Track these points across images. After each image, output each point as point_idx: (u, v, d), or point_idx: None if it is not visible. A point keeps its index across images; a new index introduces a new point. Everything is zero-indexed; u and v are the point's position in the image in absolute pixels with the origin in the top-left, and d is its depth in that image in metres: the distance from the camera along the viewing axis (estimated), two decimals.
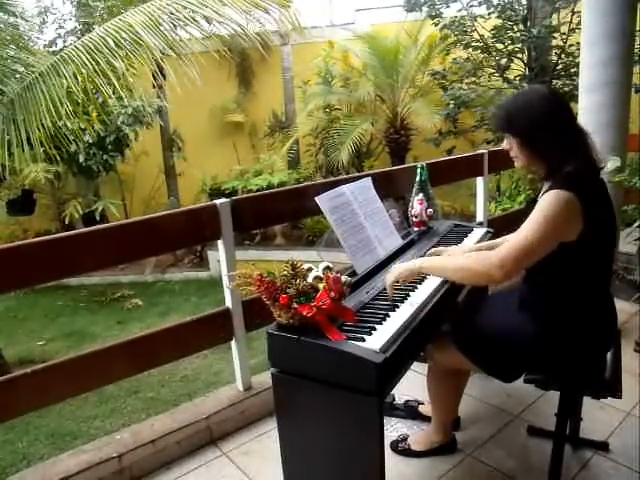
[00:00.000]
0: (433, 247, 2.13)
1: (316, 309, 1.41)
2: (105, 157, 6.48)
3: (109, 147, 6.48)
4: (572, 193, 1.43)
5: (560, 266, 1.46)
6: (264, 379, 2.36)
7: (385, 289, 1.70)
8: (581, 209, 1.43)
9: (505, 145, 1.64)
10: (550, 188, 1.50)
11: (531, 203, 1.74)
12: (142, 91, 6.01)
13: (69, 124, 4.21)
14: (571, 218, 1.44)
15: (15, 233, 7.36)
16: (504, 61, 5.69)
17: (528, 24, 5.40)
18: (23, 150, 3.50)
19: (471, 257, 1.58)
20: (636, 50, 3.51)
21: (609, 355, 1.70)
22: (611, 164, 2.61)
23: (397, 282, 1.63)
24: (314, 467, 1.60)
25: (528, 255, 1.44)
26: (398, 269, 1.63)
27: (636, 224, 3.00)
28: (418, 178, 2.43)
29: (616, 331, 1.75)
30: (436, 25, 5.92)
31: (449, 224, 2.44)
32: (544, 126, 1.52)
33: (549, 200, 1.45)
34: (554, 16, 5.39)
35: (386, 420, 2.15)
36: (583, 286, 1.56)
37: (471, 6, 5.64)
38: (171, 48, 3.19)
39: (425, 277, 1.85)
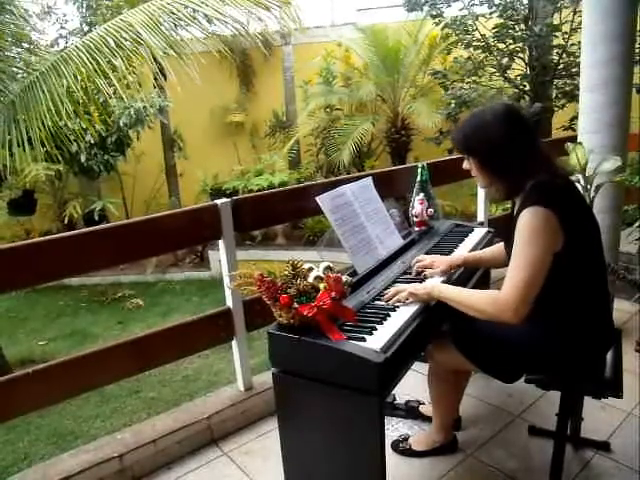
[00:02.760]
0: (433, 247, 2.14)
1: (317, 309, 1.41)
2: (106, 157, 6.49)
3: (110, 147, 6.49)
4: (544, 207, 1.43)
5: (553, 272, 1.47)
6: (265, 379, 2.36)
7: (385, 289, 1.70)
8: (558, 220, 1.43)
9: (465, 166, 1.65)
10: (522, 205, 1.50)
11: (511, 218, 1.73)
12: (143, 91, 6.02)
13: (70, 124, 4.22)
14: (552, 232, 1.44)
15: (17, 234, 7.37)
16: (505, 60, 5.68)
17: (529, 23, 5.39)
18: (24, 150, 3.50)
19: (483, 297, 1.54)
20: (637, 50, 3.50)
21: (610, 355, 1.70)
22: (612, 164, 2.61)
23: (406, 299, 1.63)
24: (315, 467, 1.60)
25: (533, 289, 1.44)
26: (418, 290, 1.62)
27: (637, 224, 2.99)
28: (419, 178, 2.43)
29: (617, 331, 1.75)
30: (437, 24, 5.92)
31: (450, 224, 2.44)
32: (500, 145, 1.52)
33: (526, 222, 1.45)
34: (555, 15, 5.39)
35: (387, 420, 2.15)
36: (579, 287, 1.56)
37: (472, 5, 5.63)
38: (172, 48, 3.19)
39: (426, 278, 1.85)
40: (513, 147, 1.52)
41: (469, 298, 1.57)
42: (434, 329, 1.74)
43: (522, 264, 1.44)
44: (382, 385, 1.36)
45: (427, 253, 2.05)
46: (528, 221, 1.45)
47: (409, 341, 1.47)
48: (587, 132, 2.82)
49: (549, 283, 1.47)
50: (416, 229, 2.32)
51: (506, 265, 1.62)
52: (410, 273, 1.89)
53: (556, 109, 5.56)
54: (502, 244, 1.90)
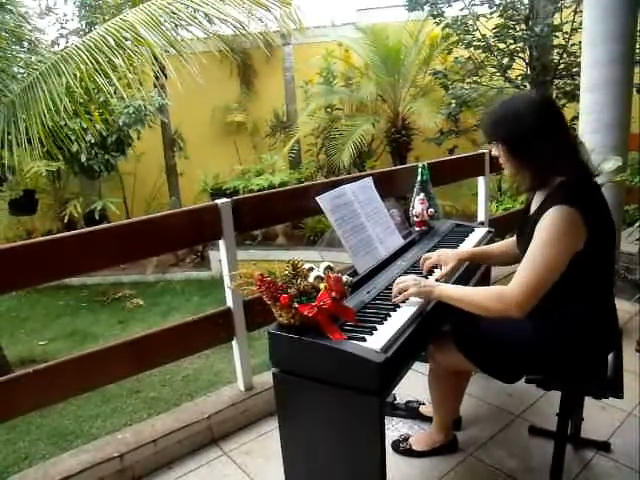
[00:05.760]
0: (433, 247, 2.13)
1: (317, 309, 1.41)
2: (107, 157, 6.49)
3: (111, 147, 6.49)
4: (572, 207, 1.41)
5: (567, 271, 1.46)
6: (265, 379, 2.36)
7: (386, 288, 1.70)
8: (583, 221, 1.42)
9: (494, 152, 1.63)
10: (547, 202, 1.48)
11: (524, 211, 1.73)
12: (144, 90, 6.02)
13: (71, 124, 4.22)
14: (577, 233, 1.43)
15: (18, 234, 7.38)
16: (506, 60, 5.68)
17: (530, 23, 5.39)
18: (25, 150, 3.50)
19: (488, 293, 1.53)
20: (637, 50, 3.49)
21: (610, 355, 1.70)
22: (612, 164, 2.61)
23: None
24: (315, 467, 1.60)
25: (542, 287, 1.43)
26: (418, 287, 1.60)
27: (637, 224, 2.99)
28: (419, 178, 2.43)
29: (618, 331, 1.75)
30: (438, 24, 5.92)
31: (450, 224, 2.44)
32: (530, 135, 1.49)
33: (552, 222, 1.43)
34: (556, 15, 5.39)
35: (387, 420, 2.15)
36: (584, 288, 1.56)
37: (473, 5, 5.63)
38: (173, 47, 3.19)
39: (426, 277, 1.85)
40: (543, 135, 1.49)
41: (473, 295, 1.56)
42: (435, 329, 1.74)
43: (537, 263, 1.43)
44: (382, 385, 1.36)
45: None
46: (554, 221, 1.42)
47: (409, 341, 1.47)
48: (587, 132, 2.82)
49: (559, 283, 1.46)
50: (416, 229, 2.32)
51: (515, 262, 1.61)
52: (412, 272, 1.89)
53: None
54: (512, 240, 1.87)
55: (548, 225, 1.43)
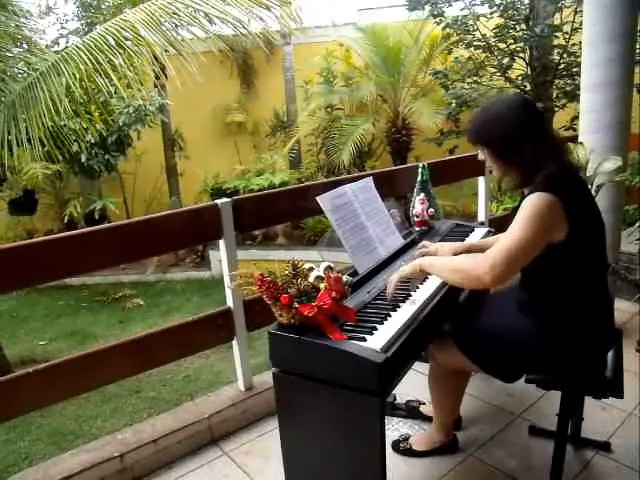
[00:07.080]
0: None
1: (317, 309, 1.40)
2: (107, 157, 6.49)
3: (111, 147, 6.49)
4: (552, 194, 1.45)
5: (553, 267, 1.48)
6: (265, 379, 2.37)
7: (386, 288, 1.70)
8: (563, 210, 1.45)
9: (480, 156, 1.67)
10: (531, 192, 1.51)
11: (516, 208, 1.75)
12: (144, 89, 6.03)
13: (71, 124, 4.22)
14: (555, 219, 1.45)
15: (18, 234, 7.38)
16: (506, 60, 5.69)
17: (530, 23, 5.40)
18: (25, 150, 3.50)
19: (465, 259, 1.59)
20: (637, 50, 3.49)
21: (610, 355, 1.70)
22: (612, 164, 2.61)
23: (401, 281, 1.65)
24: (315, 467, 1.60)
25: (517, 258, 1.44)
26: (401, 269, 1.67)
27: (637, 224, 2.99)
28: (419, 178, 2.43)
29: (618, 331, 1.75)
30: (438, 24, 5.92)
31: (450, 224, 2.44)
32: (513, 137, 1.54)
33: (531, 203, 1.46)
34: (556, 15, 5.39)
35: (387, 420, 2.15)
36: (579, 285, 1.57)
37: (473, 5, 5.64)
38: (173, 47, 3.19)
39: (427, 277, 1.85)
40: (525, 137, 1.53)
41: (451, 262, 1.61)
42: (435, 329, 1.74)
43: (515, 235, 1.45)
44: (382, 385, 1.36)
45: None
46: (532, 203, 1.46)
47: (410, 341, 1.47)
48: (588, 132, 2.82)
49: (550, 277, 1.48)
50: (417, 229, 2.32)
51: None
52: None
53: (557, 109, 5.56)
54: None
55: (525, 206, 1.47)
